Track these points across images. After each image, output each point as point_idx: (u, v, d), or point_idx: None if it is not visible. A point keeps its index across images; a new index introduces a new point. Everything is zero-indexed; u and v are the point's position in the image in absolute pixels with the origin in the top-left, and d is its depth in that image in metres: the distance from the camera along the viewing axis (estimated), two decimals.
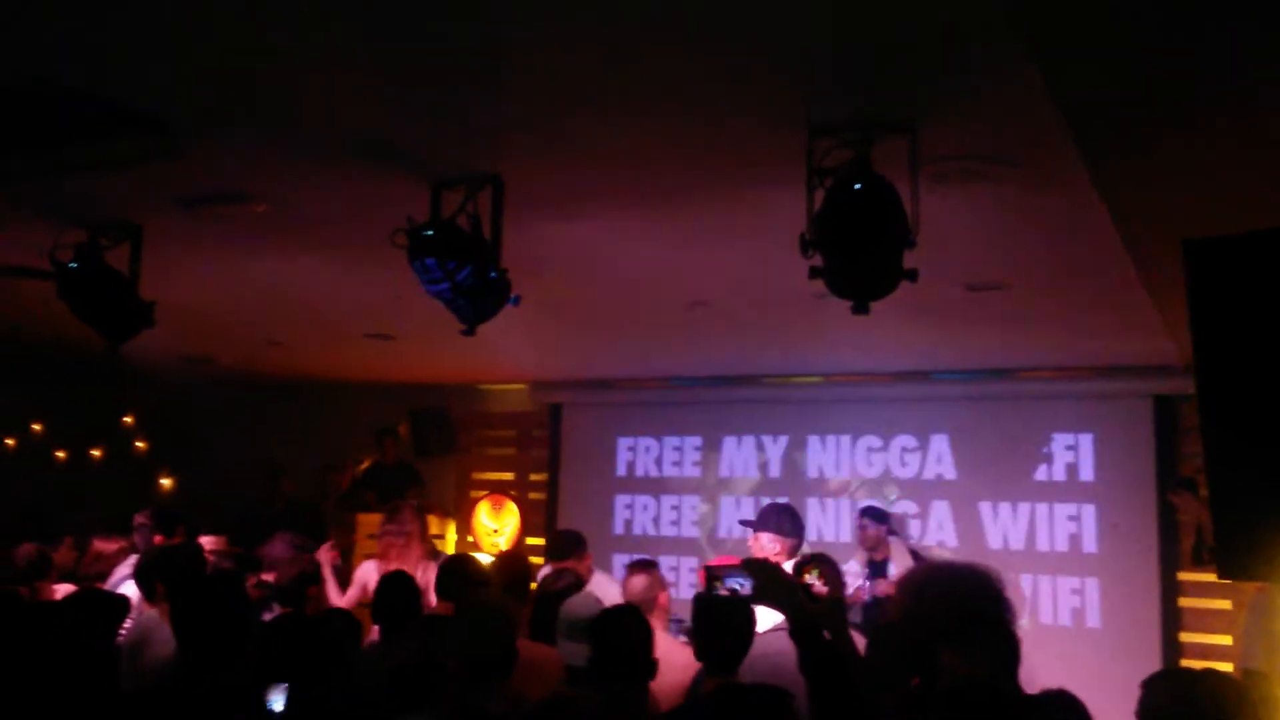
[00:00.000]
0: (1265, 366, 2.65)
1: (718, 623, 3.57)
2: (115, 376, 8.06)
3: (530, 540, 9.01)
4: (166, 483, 9.51)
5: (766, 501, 8.09)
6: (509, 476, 9.40)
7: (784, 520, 5.48)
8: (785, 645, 3.07)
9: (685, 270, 5.02)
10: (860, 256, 3.22)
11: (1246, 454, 2.67)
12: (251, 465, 8.63)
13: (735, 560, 4.86)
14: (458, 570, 4.59)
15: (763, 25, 2.69)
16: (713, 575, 3.83)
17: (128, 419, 9.81)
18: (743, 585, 3.47)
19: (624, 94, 3.12)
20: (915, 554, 6.62)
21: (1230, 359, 2.72)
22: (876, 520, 6.74)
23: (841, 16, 2.65)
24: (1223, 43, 2.59)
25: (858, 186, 3.13)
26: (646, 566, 4.88)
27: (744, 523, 5.53)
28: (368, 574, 5.85)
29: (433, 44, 2.87)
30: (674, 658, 3.96)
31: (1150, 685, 3.15)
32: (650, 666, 3.29)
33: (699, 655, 3.65)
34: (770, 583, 3.18)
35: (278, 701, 3.12)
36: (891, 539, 6.74)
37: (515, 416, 9.43)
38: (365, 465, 8.95)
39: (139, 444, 9.77)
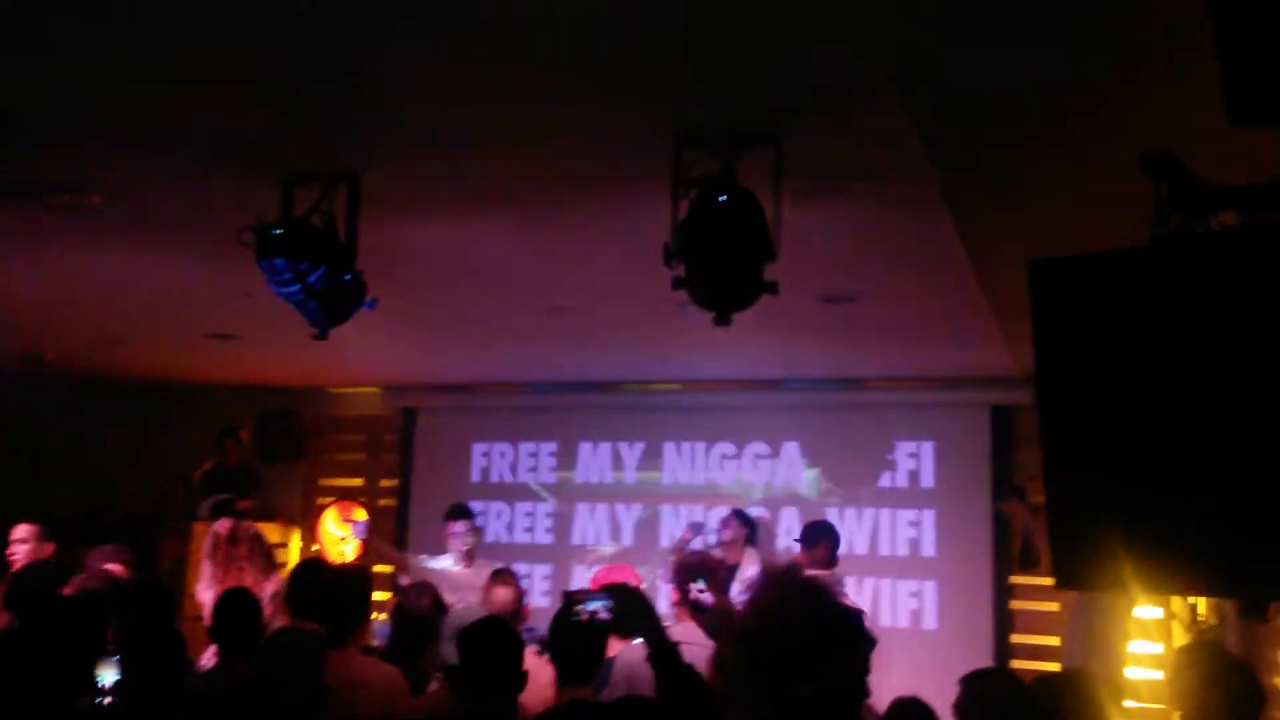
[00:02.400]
0: (1101, 381, 2.78)
1: (575, 643, 3.56)
2: None
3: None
4: None
5: (621, 509, 8.23)
6: (358, 483, 9.14)
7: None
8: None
9: (546, 276, 4.97)
10: (723, 268, 3.25)
11: (1083, 466, 2.79)
12: (88, 471, 8.17)
13: (623, 573, 4.90)
14: (309, 581, 4.40)
15: (628, 32, 2.68)
16: (572, 600, 3.83)
17: None
18: (602, 608, 3.48)
19: (486, 95, 3.07)
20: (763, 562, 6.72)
21: (1069, 374, 2.84)
22: (741, 523, 6.81)
23: (709, 26, 2.66)
24: (1050, 77, 2.72)
25: (723, 198, 3.16)
26: (509, 577, 4.83)
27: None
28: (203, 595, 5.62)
29: (282, 39, 2.76)
30: (537, 672, 3.93)
31: (968, 683, 3.28)
32: (520, 678, 3.24)
33: (557, 669, 3.63)
34: (631, 607, 3.20)
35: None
36: (749, 549, 6.81)
37: (366, 421, 9.17)
38: (204, 469, 8.58)
39: None
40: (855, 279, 4.86)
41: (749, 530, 6.85)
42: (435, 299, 5.49)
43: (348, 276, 3.66)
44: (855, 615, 2.88)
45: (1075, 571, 2.91)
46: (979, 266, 4.25)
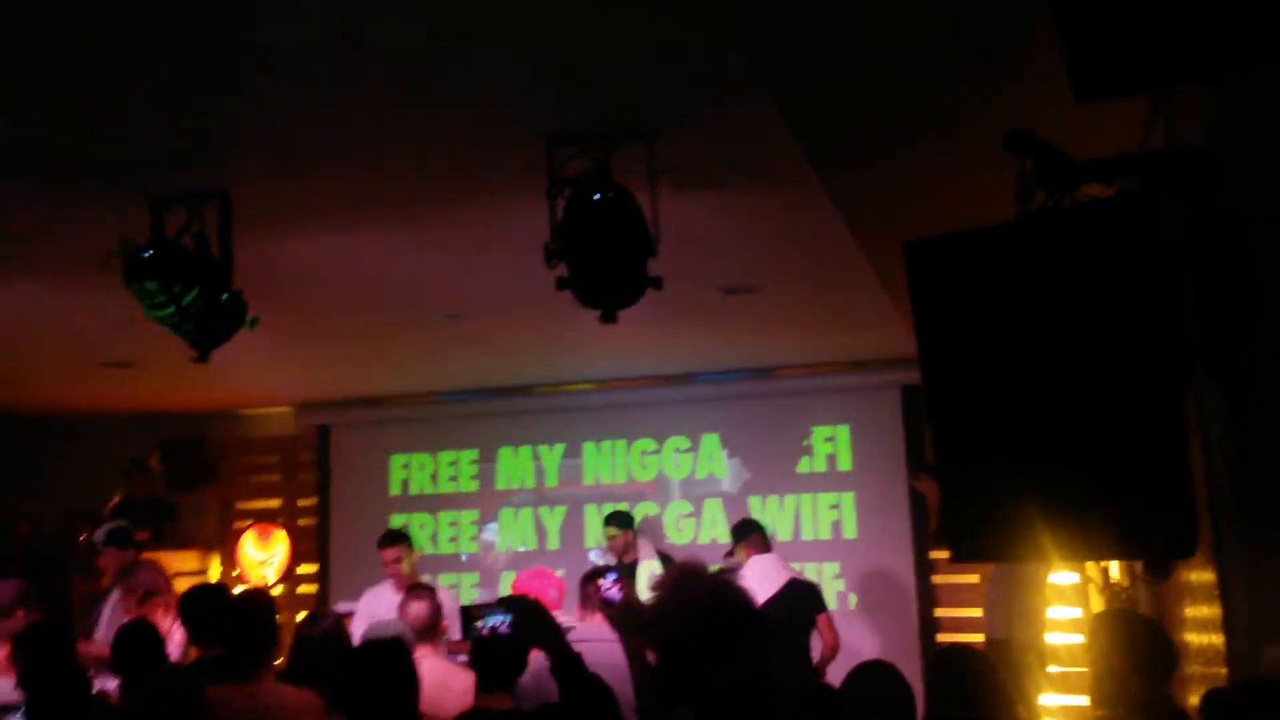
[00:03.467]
0: (981, 356, 2.80)
1: (488, 654, 3.52)
2: None
3: (302, 569, 8.64)
4: None
5: (544, 511, 8.17)
6: (275, 504, 8.97)
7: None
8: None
9: (435, 282, 4.90)
10: (604, 266, 3.22)
11: (968, 439, 2.82)
12: None
13: (543, 577, 4.84)
14: (203, 607, 4.26)
15: (493, 35, 2.63)
16: (471, 615, 3.78)
17: None
18: (501, 623, 3.45)
19: (355, 102, 3.00)
20: (663, 555, 6.71)
21: (949, 350, 2.86)
22: (621, 526, 6.79)
23: (576, 25, 2.63)
24: (917, 72, 2.74)
25: (597, 196, 3.13)
26: (425, 592, 4.75)
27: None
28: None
29: (132, 54, 2.66)
30: (453, 682, 3.86)
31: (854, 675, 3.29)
32: (405, 702, 3.16)
33: (476, 678, 3.59)
34: (529, 621, 3.16)
35: None
36: (640, 541, 6.80)
37: (279, 441, 9.00)
38: (113, 503, 8.33)
39: None
40: (751, 270, 4.86)
41: (630, 527, 6.81)
42: (325, 313, 5.39)
43: (225, 296, 3.56)
44: (755, 608, 2.89)
45: (971, 544, 2.94)
46: (868, 251, 4.28)
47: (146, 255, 3.36)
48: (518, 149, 3.24)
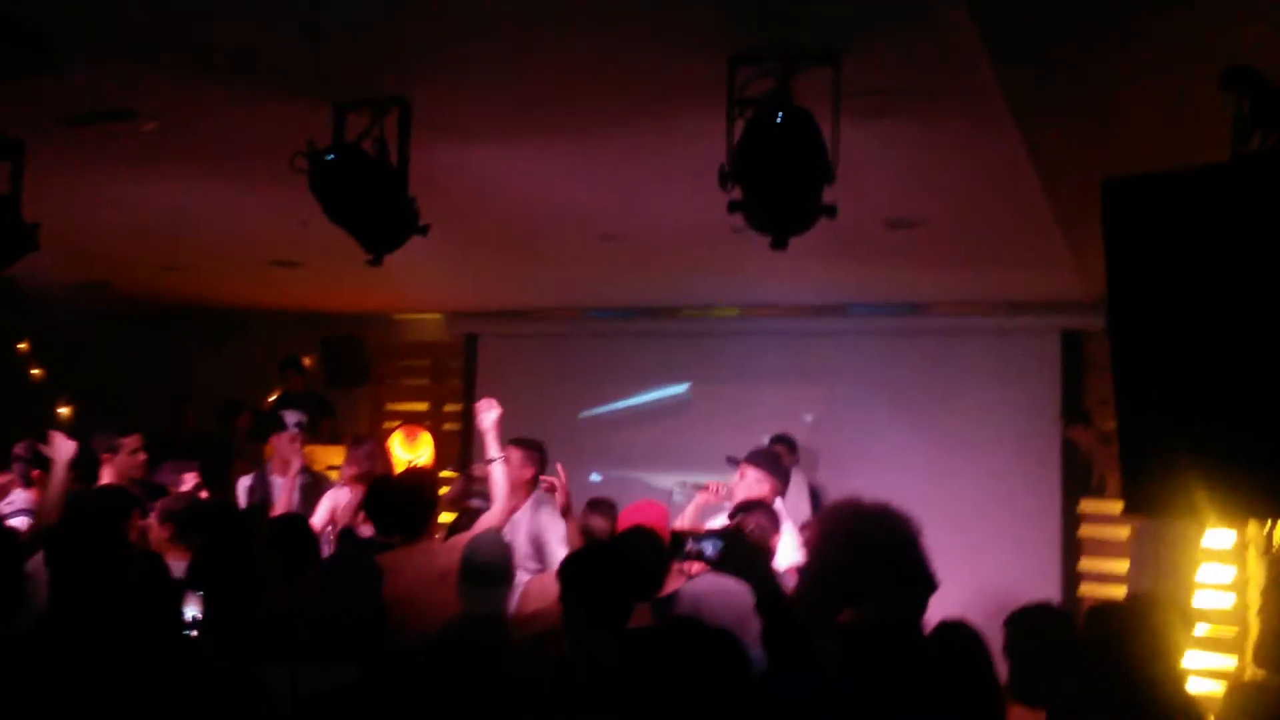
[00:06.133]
0: (1176, 304, 2.68)
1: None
2: (7, 301, 7.70)
3: (444, 474, 8.91)
4: (64, 411, 9.16)
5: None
6: (423, 407, 9.27)
7: (773, 462, 5.41)
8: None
9: (598, 201, 4.90)
10: (780, 190, 3.15)
11: (1155, 391, 2.71)
12: (155, 395, 8.35)
13: (651, 509, 4.84)
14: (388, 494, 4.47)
15: None
16: (679, 537, 3.82)
17: (22, 345, 9.41)
18: (710, 548, 3.50)
19: (534, 16, 2.98)
20: (814, 492, 6.64)
21: (1143, 296, 2.74)
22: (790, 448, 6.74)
23: None
24: None
25: (779, 118, 3.05)
26: (606, 508, 4.90)
27: (731, 459, 5.39)
28: (338, 498, 5.80)
29: None
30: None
31: (1012, 623, 3.23)
32: None
33: None
34: (739, 552, 3.20)
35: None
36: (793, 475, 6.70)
37: (430, 346, 9.27)
38: (275, 396, 8.73)
39: (35, 371, 9.39)
40: (920, 203, 4.71)
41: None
42: (486, 225, 5.45)
43: (400, 202, 3.62)
44: (920, 549, 2.84)
45: (1145, 497, 2.84)
46: (1048, 186, 4.09)
47: (330, 158, 3.44)
48: (698, 68, 3.18)
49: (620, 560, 3.34)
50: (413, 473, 5.78)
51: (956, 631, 2.96)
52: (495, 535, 4.08)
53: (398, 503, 4.33)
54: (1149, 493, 2.77)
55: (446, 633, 3.47)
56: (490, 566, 3.62)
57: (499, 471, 4.59)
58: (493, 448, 4.69)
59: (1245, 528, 6.06)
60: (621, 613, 3.20)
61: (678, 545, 3.60)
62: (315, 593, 3.20)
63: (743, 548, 3.18)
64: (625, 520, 4.73)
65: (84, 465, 5.34)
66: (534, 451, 5.42)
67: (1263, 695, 3.43)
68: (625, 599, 3.23)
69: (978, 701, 2.62)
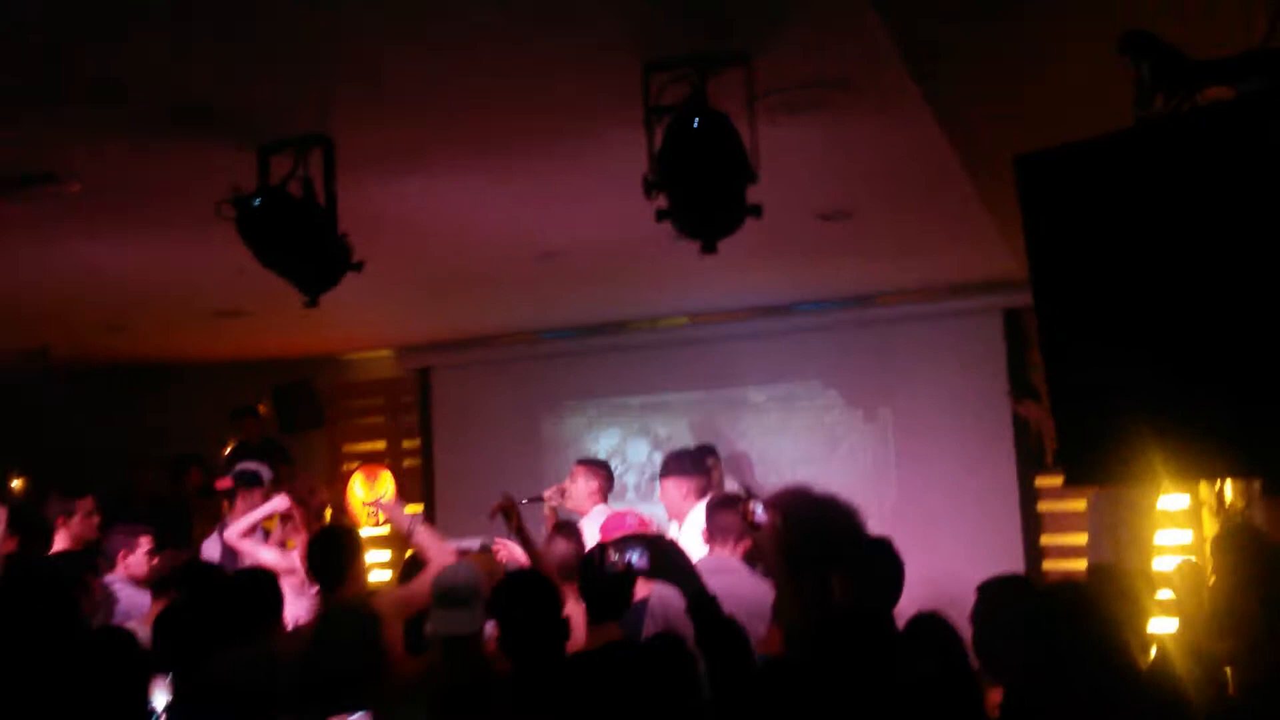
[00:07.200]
0: (1095, 272, 2.72)
1: (605, 586, 3.59)
2: None
3: (409, 509, 8.84)
4: (17, 484, 9.00)
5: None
6: (381, 446, 9.22)
7: (685, 462, 5.45)
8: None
9: (532, 222, 4.92)
10: (704, 194, 3.19)
11: (1084, 360, 2.75)
12: (107, 451, 8.23)
13: (637, 522, 4.86)
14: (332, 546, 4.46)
15: None
16: (607, 546, 3.83)
17: None
18: (637, 558, 3.50)
19: (444, 40, 3.00)
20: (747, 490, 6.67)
21: (1064, 267, 2.79)
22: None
23: None
24: None
25: (696, 123, 3.09)
26: (570, 530, 4.89)
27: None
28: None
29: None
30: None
31: (984, 591, 3.26)
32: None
33: (586, 610, 3.66)
34: (667, 561, 3.21)
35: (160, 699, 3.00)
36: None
37: (383, 384, 9.23)
38: (229, 448, 8.63)
39: None
40: (847, 195, 4.78)
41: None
42: (422, 256, 5.46)
43: (331, 241, 3.62)
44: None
45: (1085, 466, 2.88)
46: (969, 168, 4.16)
47: (257, 203, 3.43)
48: (614, 79, 3.21)
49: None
50: (329, 527, 5.86)
51: (931, 625, 3.01)
52: (467, 563, 4.09)
53: (316, 554, 4.46)
54: (1088, 462, 2.81)
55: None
56: (460, 588, 3.62)
57: (425, 534, 4.68)
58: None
59: (1196, 490, 6.17)
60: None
61: (600, 558, 3.60)
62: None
63: (671, 553, 3.19)
64: (605, 532, 4.79)
65: (38, 531, 5.27)
66: (599, 469, 5.83)
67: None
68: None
69: (956, 694, 2.65)
